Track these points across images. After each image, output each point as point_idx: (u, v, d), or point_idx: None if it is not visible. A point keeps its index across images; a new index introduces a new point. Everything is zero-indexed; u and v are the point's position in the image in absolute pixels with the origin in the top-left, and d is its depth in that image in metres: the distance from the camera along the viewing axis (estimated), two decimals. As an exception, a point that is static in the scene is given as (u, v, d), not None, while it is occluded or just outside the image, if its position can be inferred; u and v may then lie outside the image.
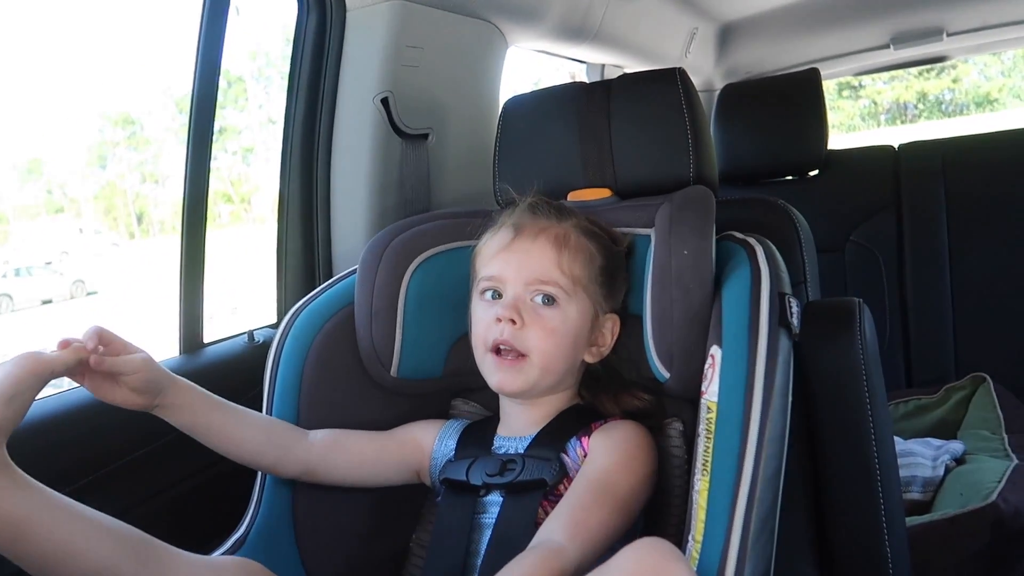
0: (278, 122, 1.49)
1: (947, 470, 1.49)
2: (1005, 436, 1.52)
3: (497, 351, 0.98)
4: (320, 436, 1.03)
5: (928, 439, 1.61)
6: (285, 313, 1.12)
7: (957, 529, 1.26)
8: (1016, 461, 1.40)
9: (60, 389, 1.11)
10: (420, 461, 1.06)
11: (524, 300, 0.98)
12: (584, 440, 0.98)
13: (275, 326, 1.41)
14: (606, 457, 0.93)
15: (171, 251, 1.32)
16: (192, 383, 0.94)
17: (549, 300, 0.98)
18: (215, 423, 0.95)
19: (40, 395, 0.79)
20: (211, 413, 0.95)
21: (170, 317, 1.29)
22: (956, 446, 1.56)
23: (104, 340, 0.85)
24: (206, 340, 1.31)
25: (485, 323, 1.00)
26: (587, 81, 1.56)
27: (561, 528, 0.83)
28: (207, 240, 1.29)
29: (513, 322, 0.96)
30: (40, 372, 0.77)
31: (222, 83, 1.28)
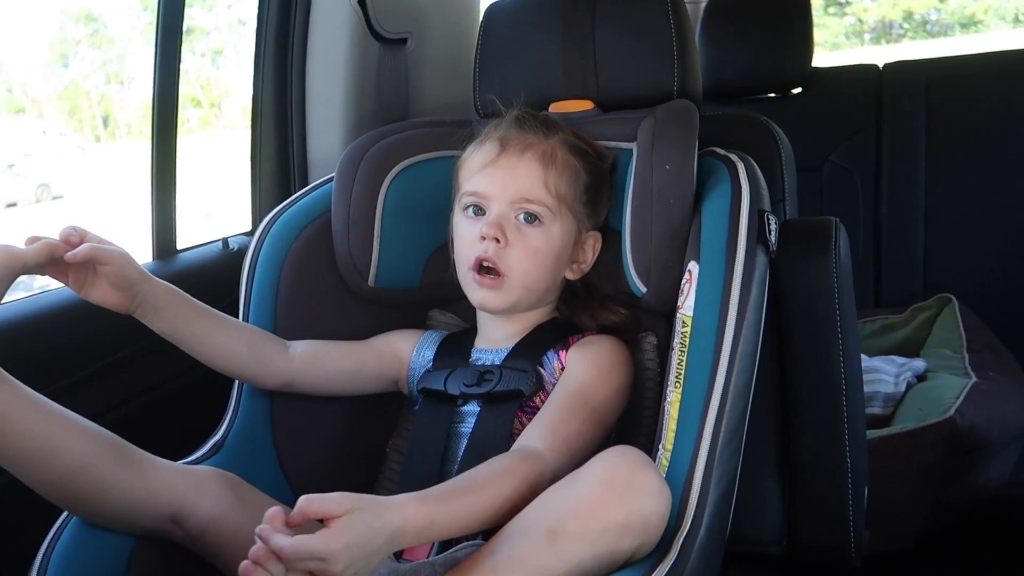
0: (248, 23, 1.43)
1: (908, 387, 1.53)
2: (966, 355, 1.57)
3: (479, 269, 0.97)
4: (300, 349, 1.02)
5: (892, 357, 1.66)
6: (260, 220, 1.11)
7: (915, 442, 1.31)
8: (975, 379, 1.45)
9: (32, 292, 1.09)
10: (399, 371, 1.07)
11: (508, 218, 0.97)
12: (562, 353, 0.99)
13: (250, 233, 1.39)
14: (585, 370, 0.95)
15: (139, 155, 1.29)
16: (175, 287, 0.93)
17: (533, 219, 0.98)
18: (198, 330, 0.94)
19: (14, 296, 0.78)
20: (193, 320, 0.94)
21: (142, 223, 1.26)
22: (918, 364, 1.60)
23: (79, 236, 0.84)
24: (179, 246, 1.29)
25: (468, 240, 0.99)
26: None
27: (540, 437, 0.86)
28: (178, 143, 1.26)
29: (497, 240, 0.96)
30: (12, 265, 0.76)
31: (189, -21, 1.22)
